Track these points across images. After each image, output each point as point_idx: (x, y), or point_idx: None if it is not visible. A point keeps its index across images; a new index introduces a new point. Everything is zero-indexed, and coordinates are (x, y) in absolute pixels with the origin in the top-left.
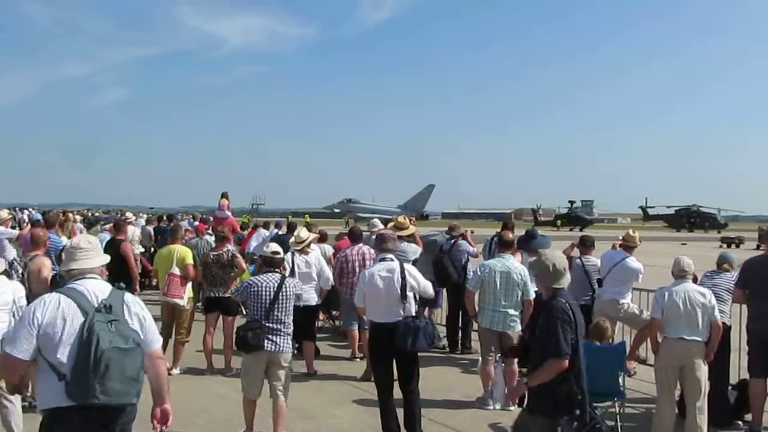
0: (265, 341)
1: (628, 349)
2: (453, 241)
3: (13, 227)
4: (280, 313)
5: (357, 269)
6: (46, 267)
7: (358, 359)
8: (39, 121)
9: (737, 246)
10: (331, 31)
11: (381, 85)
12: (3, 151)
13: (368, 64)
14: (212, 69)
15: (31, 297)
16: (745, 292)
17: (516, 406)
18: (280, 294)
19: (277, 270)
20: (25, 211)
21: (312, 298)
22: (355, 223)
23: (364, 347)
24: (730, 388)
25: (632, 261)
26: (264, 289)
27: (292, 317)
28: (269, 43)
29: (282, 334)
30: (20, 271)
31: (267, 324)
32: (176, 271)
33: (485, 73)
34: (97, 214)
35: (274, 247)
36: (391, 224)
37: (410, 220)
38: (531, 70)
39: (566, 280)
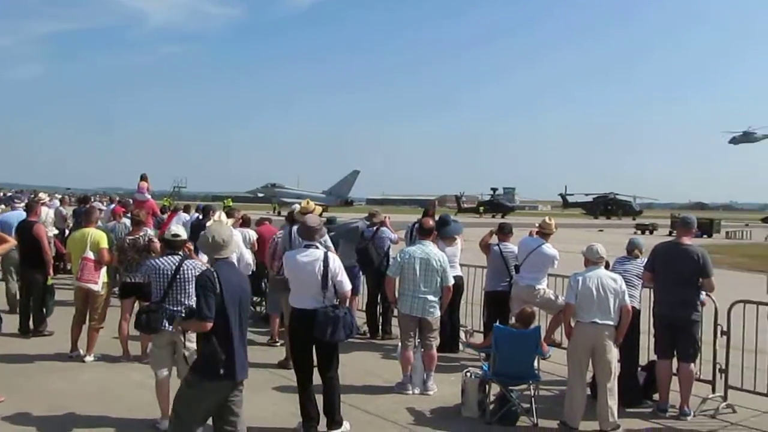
0: (164, 322)
1: (543, 334)
2: (375, 228)
3: None
4: (178, 294)
5: None
6: None
7: (278, 344)
8: None
9: (651, 232)
10: (258, 13)
11: (306, 71)
12: None
13: (294, 49)
14: (135, 47)
15: None
16: (653, 275)
17: (430, 390)
18: (178, 275)
19: (178, 252)
20: None
21: None
22: (279, 207)
23: (284, 333)
24: (639, 369)
25: (548, 248)
26: (162, 270)
27: (194, 298)
28: (192, 21)
29: (182, 315)
30: None
31: (166, 305)
32: (90, 255)
33: (411, 58)
34: (9, 194)
35: (175, 229)
36: (297, 209)
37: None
38: (455, 56)
39: (228, 251)
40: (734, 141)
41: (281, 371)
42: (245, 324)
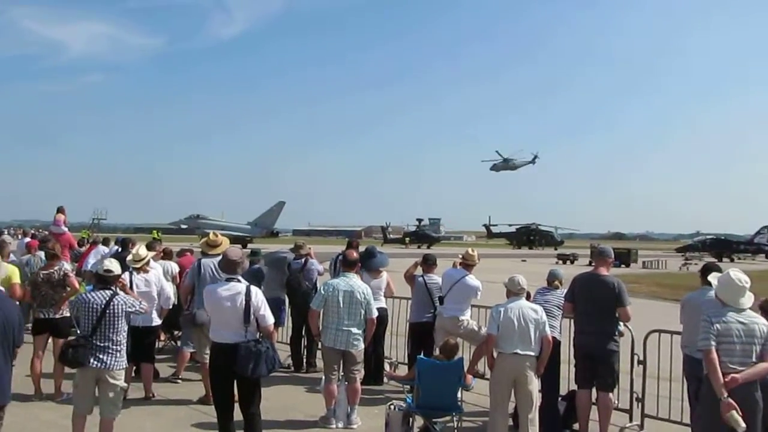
0: (91, 358)
1: (466, 365)
2: (304, 260)
3: None
4: (107, 330)
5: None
6: None
7: (180, 381)
8: None
9: (572, 262)
10: (178, 43)
11: (229, 101)
12: None
13: (215, 80)
14: (53, 76)
15: None
16: (573, 305)
17: (354, 424)
18: (108, 311)
19: (110, 288)
20: None
21: (151, 318)
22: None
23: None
24: (559, 399)
25: (471, 279)
26: (92, 305)
27: (123, 335)
28: (113, 51)
29: (110, 351)
30: None
31: (94, 341)
32: (1, 290)
33: (332, 86)
34: None
35: (108, 264)
36: (203, 241)
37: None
38: (378, 83)
39: None
40: (495, 168)
41: (201, 407)
42: (9, 350)
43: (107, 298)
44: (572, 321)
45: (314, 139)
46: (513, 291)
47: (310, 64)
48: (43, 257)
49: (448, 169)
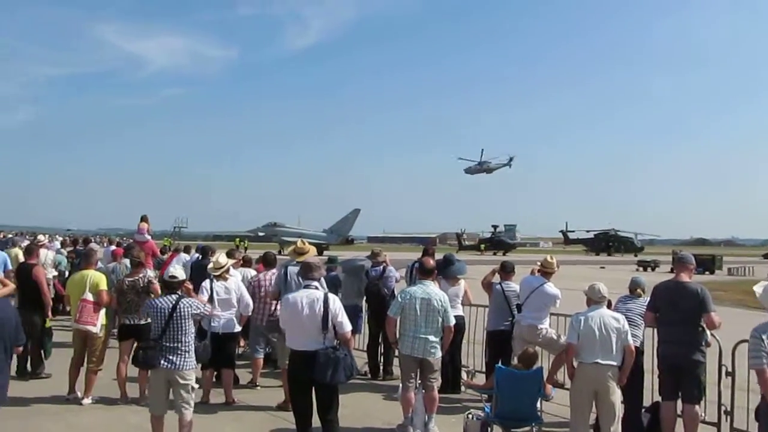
0: (161, 359)
1: (546, 374)
2: (383, 267)
3: None
4: (175, 332)
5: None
6: None
7: (258, 387)
8: None
9: (653, 269)
10: (254, 54)
11: (305, 109)
12: None
13: (290, 88)
14: (134, 90)
15: None
16: (656, 315)
17: None
18: (174, 314)
19: (176, 292)
20: None
21: (232, 324)
22: (281, 246)
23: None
24: (643, 411)
25: (550, 287)
26: (160, 309)
27: (191, 336)
28: (191, 64)
29: (179, 352)
30: None
31: (164, 343)
32: (89, 297)
33: (408, 92)
34: (9, 236)
35: (173, 271)
36: (290, 248)
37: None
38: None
39: None
40: (469, 171)
41: (280, 413)
42: (7, 352)
43: (174, 302)
44: (655, 330)
45: (388, 145)
46: (594, 299)
47: (384, 71)
48: (128, 265)
49: (521, 175)
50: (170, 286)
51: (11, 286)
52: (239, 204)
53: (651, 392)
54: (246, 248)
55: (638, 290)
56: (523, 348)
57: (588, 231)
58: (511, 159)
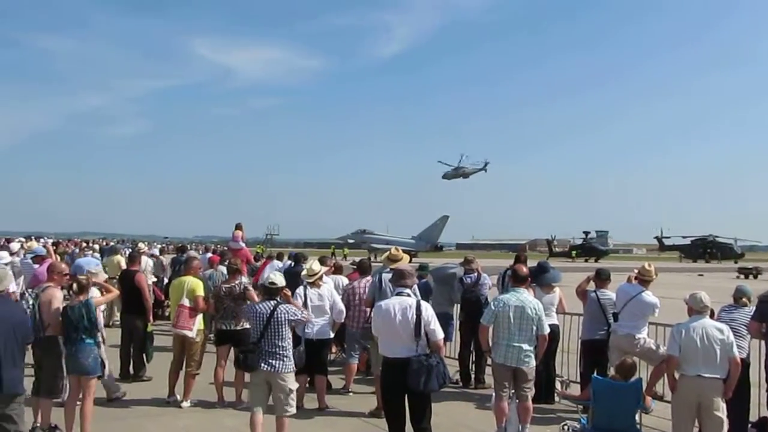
0: (262, 363)
1: (644, 386)
2: (477, 275)
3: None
4: (273, 337)
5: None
6: (57, 298)
7: (351, 393)
8: (55, 151)
9: (755, 277)
10: (343, 64)
11: (396, 116)
12: (19, 181)
13: (377, 96)
14: (225, 100)
15: (41, 327)
16: (762, 326)
17: None
18: (272, 319)
19: (274, 298)
20: (41, 241)
21: (325, 331)
22: (370, 253)
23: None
24: (750, 426)
25: (648, 295)
26: (258, 314)
27: (288, 341)
28: (283, 75)
29: (278, 356)
30: (30, 302)
31: (263, 347)
32: (186, 302)
33: (498, 102)
34: (112, 243)
35: (272, 277)
36: (384, 256)
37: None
38: (551, 99)
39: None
40: (446, 176)
41: (373, 420)
42: (16, 345)
43: (272, 308)
44: (762, 342)
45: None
46: (696, 309)
47: (474, 79)
48: (224, 271)
49: (613, 181)
50: (269, 291)
51: (115, 292)
52: (329, 211)
53: (758, 407)
54: (345, 256)
55: (743, 299)
56: (620, 358)
57: (684, 237)
58: (486, 164)
